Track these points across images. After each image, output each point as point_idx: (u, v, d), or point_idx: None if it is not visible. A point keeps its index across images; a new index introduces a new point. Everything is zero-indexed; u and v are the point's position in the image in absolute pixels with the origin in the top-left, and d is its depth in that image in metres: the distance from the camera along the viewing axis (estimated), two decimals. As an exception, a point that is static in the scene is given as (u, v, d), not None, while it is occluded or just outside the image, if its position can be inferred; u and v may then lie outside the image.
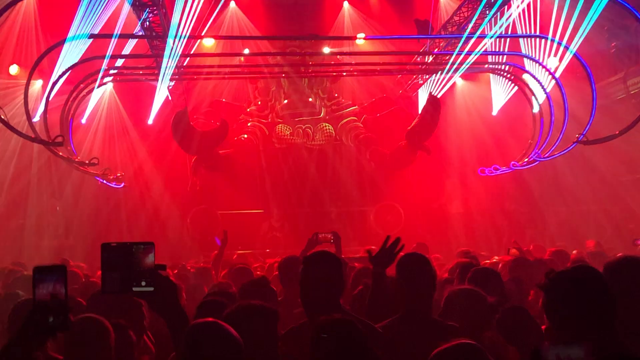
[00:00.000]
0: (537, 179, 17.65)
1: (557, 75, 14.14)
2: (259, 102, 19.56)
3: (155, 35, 12.92)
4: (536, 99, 15.80)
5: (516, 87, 16.31)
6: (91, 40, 12.62)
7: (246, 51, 16.70)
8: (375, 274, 4.62)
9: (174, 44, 13.08)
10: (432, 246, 12.43)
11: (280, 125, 19.50)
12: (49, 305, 2.53)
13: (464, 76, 17.28)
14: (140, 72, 15.49)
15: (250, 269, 7.83)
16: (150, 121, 16.95)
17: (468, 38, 13.64)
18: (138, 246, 2.77)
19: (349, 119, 19.56)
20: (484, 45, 14.29)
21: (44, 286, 2.55)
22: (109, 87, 16.94)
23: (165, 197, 18.35)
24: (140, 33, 12.89)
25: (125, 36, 13.52)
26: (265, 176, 18.99)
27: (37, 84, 15.79)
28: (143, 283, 2.75)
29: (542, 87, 15.27)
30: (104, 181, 16.22)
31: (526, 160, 15.91)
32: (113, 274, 2.72)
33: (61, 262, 9.38)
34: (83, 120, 16.92)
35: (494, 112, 17.66)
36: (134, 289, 2.75)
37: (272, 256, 13.14)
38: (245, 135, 19.24)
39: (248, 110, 19.59)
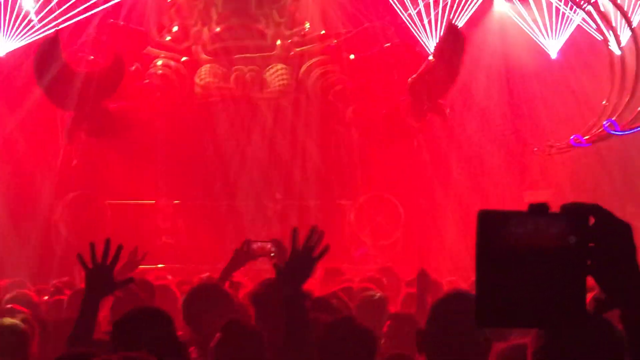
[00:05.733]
0: (619, 160, 17.83)
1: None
2: (176, 28, 19.24)
3: None
4: (617, 37, 15.90)
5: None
6: None
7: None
8: (287, 301, 4.65)
9: None
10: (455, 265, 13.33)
11: (208, 65, 18.95)
12: None
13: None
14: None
15: (139, 296, 7.55)
16: (1, 53, 17.09)
17: None
18: None
19: (318, 58, 19.08)
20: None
21: None
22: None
23: (22, 176, 18.06)
24: None
25: None
26: (180, 146, 18.69)
27: None
28: None
29: (627, 18, 15.72)
30: None
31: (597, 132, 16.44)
32: None
33: None
34: None
35: (553, 55, 17.91)
36: None
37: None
38: (151, 81, 18.76)
39: (158, 40, 19.22)
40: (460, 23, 17.05)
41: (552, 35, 17.88)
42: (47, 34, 16.21)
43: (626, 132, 15.67)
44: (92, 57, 17.96)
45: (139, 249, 9.29)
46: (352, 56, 19.18)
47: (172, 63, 18.91)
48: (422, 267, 9.26)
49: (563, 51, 17.86)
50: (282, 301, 4.68)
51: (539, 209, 1.98)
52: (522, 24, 18.00)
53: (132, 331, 4.39)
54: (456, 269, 14.32)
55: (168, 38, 19.16)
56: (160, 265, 15.97)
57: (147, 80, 18.61)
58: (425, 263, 10.91)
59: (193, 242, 17.99)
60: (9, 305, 8.34)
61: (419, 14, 18.01)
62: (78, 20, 17.28)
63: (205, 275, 10.83)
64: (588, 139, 16.44)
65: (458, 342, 4.29)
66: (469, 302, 4.00)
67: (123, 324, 4.60)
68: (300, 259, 4.62)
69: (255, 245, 7.70)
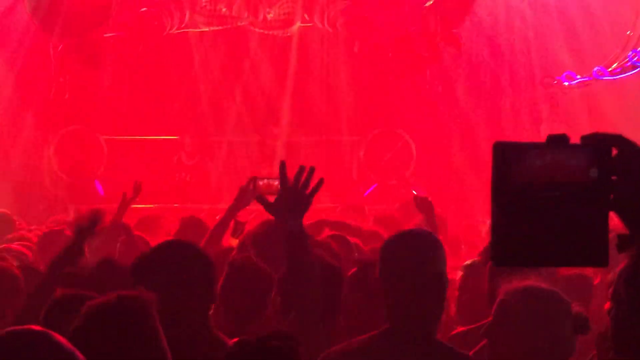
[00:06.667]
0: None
1: None
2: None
3: None
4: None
5: None
6: None
7: None
8: (288, 237, 4.69)
9: None
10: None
11: (208, -8, 19.01)
12: None
13: None
14: None
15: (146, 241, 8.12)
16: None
17: None
18: None
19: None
20: None
21: None
22: None
23: (11, 109, 17.92)
24: None
25: None
26: (178, 78, 18.58)
27: None
28: None
29: None
30: None
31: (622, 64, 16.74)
32: None
33: None
34: None
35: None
36: None
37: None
38: (149, 8, 18.37)
39: (155, -35, 18.80)
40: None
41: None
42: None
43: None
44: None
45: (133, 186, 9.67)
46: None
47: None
48: (414, 192, 9.95)
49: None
50: (283, 237, 4.72)
51: (558, 141, 1.99)
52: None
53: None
54: (470, 207, 14.82)
55: (167, -38, 19.23)
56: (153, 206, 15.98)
57: (144, 9, 18.32)
58: (438, 202, 10.89)
59: (194, 180, 18.07)
60: (4, 245, 8.60)
61: None
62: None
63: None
64: (611, 71, 16.59)
65: (413, 282, 4.33)
66: (418, 238, 4.50)
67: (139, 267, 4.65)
68: (293, 195, 4.64)
69: (261, 183, 7.76)
